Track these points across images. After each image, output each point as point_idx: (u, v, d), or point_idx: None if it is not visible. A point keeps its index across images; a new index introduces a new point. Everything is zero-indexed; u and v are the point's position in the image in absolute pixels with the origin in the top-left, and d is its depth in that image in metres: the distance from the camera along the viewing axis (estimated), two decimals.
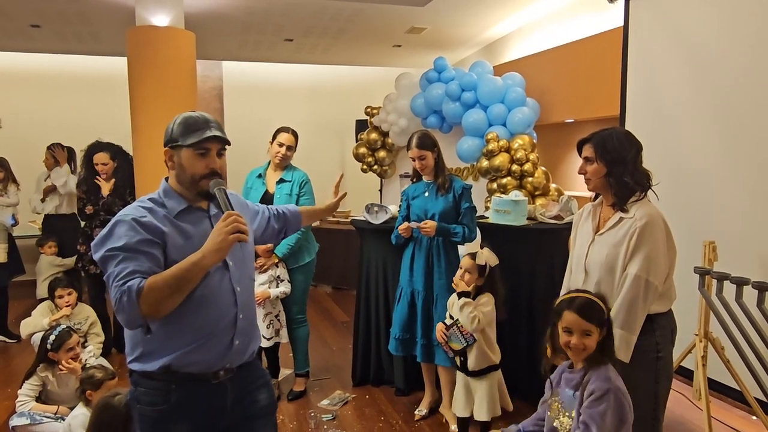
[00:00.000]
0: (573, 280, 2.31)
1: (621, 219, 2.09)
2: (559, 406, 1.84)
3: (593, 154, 2.11)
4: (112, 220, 1.51)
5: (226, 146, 1.63)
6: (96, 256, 1.49)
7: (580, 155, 2.20)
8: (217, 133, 1.58)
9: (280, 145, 3.30)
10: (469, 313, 2.66)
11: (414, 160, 3.04)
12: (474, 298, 2.73)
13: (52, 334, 3.04)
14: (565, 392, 1.83)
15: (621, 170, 2.07)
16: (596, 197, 2.28)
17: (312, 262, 3.47)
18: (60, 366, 2.98)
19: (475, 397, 2.77)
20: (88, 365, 3.03)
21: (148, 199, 1.60)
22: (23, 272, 4.79)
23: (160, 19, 4.42)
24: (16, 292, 5.00)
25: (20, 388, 3.02)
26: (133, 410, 1.60)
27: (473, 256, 2.77)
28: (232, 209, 1.52)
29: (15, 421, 2.89)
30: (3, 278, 4.59)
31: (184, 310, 1.50)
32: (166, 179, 1.64)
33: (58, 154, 4.77)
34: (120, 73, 4.89)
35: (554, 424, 1.83)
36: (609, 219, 2.14)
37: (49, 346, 3.00)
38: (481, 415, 2.72)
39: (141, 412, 1.57)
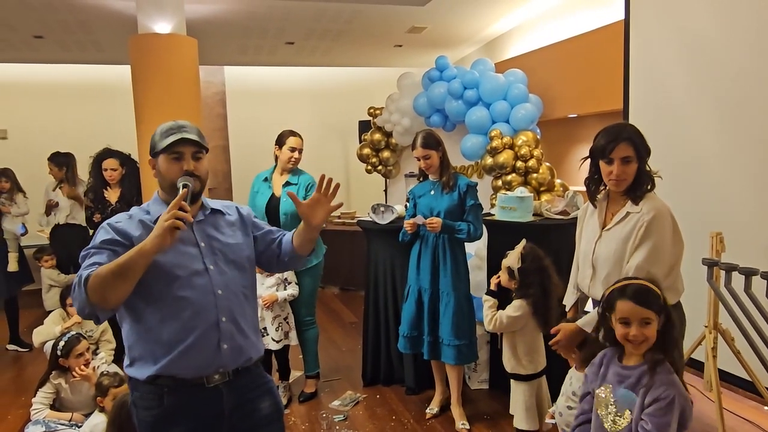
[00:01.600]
0: (580, 276, 2.31)
1: (628, 213, 2.09)
2: (610, 403, 1.73)
3: (633, 153, 2.03)
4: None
5: (204, 150, 1.65)
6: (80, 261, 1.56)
7: (604, 157, 2.07)
8: (189, 136, 1.60)
9: (292, 149, 3.33)
10: (485, 312, 2.63)
11: (419, 160, 3.05)
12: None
13: (61, 340, 3.07)
14: (619, 391, 1.71)
15: (645, 164, 2.08)
16: (594, 193, 2.23)
17: (320, 265, 3.49)
18: (73, 373, 3.00)
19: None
20: (106, 372, 3.05)
21: (137, 207, 1.67)
22: (32, 281, 4.83)
23: (162, 26, 4.45)
24: (26, 302, 5.02)
25: (34, 396, 3.04)
26: (133, 414, 1.64)
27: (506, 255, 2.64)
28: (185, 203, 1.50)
29: (30, 430, 2.91)
30: (13, 287, 4.63)
31: (165, 312, 1.54)
32: (158, 191, 1.71)
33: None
34: (123, 81, 4.92)
35: (605, 425, 1.73)
36: (616, 214, 2.14)
37: (59, 353, 3.02)
38: (515, 421, 2.64)
39: (138, 416, 1.61)
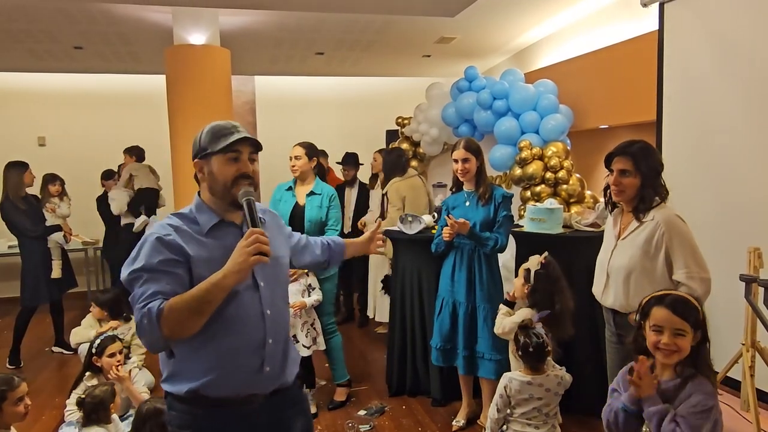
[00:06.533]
0: (595, 283, 2.40)
1: (642, 222, 2.22)
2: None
3: (632, 168, 2.19)
4: (141, 240, 1.50)
5: (258, 152, 1.59)
6: (122, 277, 1.46)
7: (608, 167, 2.27)
8: (247, 135, 1.54)
9: (290, 158, 3.41)
10: (497, 319, 2.68)
11: (457, 162, 3.00)
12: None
13: (98, 339, 3.16)
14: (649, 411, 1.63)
15: (653, 182, 2.20)
16: (614, 205, 2.36)
17: (337, 272, 3.54)
18: (109, 375, 3.07)
19: None
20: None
21: (178, 215, 1.56)
22: (76, 285, 4.97)
23: (197, 37, 4.55)
24: (68, 304, 5.08)
25: (68, 397, 3.12)
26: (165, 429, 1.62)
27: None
28: (257, 225, 1.45)
29: (64, 431, 2.98)
30: (56, 293, 4.73)
31: (210, 330, 1.46)
32: (199, 193, 1.61)
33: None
34: (158, 90, 5.04)
35: None
36: (629, 224, 2.27)
37: (93, 350, 3.11)
38: None
39: None
